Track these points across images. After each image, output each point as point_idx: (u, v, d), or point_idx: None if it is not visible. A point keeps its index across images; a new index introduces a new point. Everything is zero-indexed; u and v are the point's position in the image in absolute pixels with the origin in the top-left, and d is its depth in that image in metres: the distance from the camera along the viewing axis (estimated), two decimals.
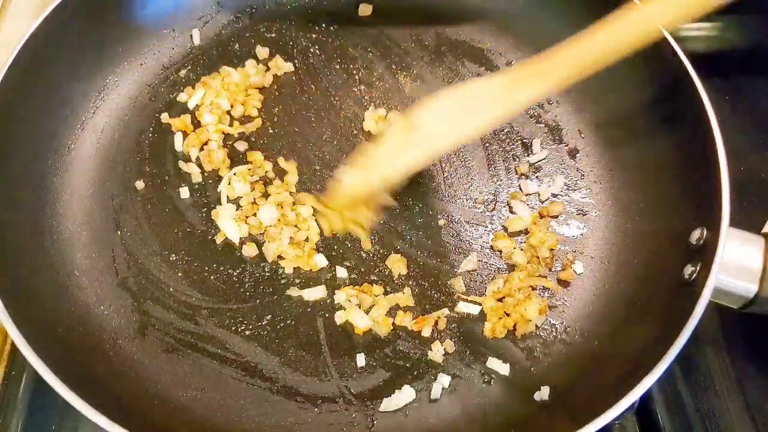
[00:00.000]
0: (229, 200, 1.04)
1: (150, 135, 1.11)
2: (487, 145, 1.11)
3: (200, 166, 1.07)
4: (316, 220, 1.01)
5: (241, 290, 0.98)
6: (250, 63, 1.16)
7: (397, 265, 0.98)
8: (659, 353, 0.77)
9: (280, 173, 1.07)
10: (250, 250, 1.00)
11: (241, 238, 1.01)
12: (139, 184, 1.06)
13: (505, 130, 1.12)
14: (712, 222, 0.84)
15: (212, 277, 0.99)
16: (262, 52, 1.18)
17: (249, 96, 1.13)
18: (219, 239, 1.01)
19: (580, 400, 0.85)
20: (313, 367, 0.93)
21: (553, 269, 1.00)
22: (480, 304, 0.96)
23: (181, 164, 1.07)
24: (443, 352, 0.92)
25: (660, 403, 0.95)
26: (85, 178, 1.05)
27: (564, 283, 0.99)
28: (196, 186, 1.06)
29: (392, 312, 0.96)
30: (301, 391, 0.91)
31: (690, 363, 0.97)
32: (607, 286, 0.98)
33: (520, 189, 1.06)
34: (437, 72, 1.18)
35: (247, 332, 0.95)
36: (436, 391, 0.91)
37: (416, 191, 1.05)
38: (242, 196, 1.03)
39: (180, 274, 0.99)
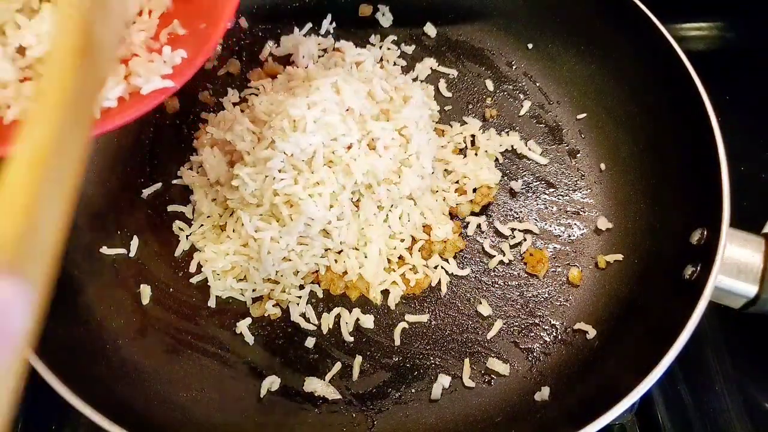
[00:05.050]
0: None
1: (150, 135, 1.11)
2: None
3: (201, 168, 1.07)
4: None
5: None
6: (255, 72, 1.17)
7: None
8: (659, 353, 0.77)
9: None
10: None
11: None
12: (139, 185, 1.06)
13: (506, 130, 1.12)
14: (712, 222, 0.84)
15: None
16: (263, 52, 1.18)
17: None
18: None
19: (580, 400, 0.85)
20: (314, 367, 0.93)
21: (554, 270, 1.01)
22: None
23: (182, 169, 1.07)
24: None
25: (660, 403, 0.95)
26: (85, 178, 1.04)
27: (568, 285, 0.99)
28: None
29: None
30: (301, 391, 0.91)
31: (690, 363, 0.97)
32: (607, 286, 0.98)
33: None
34: None
35: (248, 332, 0.95)
36: (436, 391, 0.91)
37: None
38: None
39: (180, 274, 0.99)
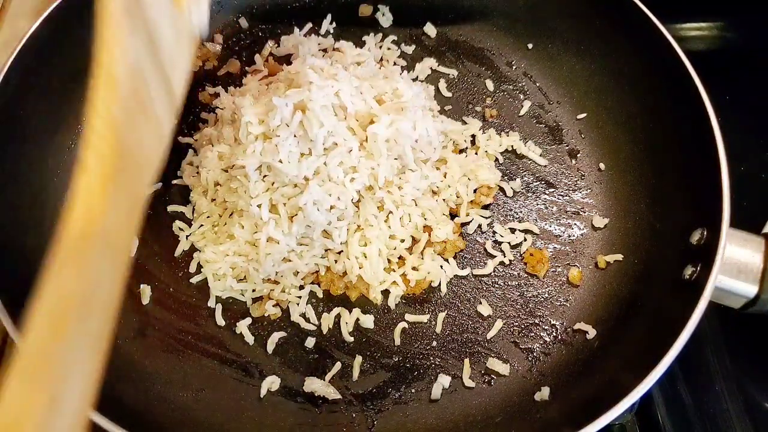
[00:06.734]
0: None
1: None
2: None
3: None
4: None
5: None
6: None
7: None
8: (659, 353, 0.77)
9: None
10: None
11: None
12: None
13: (506, 130, 1.12)
14: (712, 222, 0.84)
15: None
16: (263, 52, 1.18)
17: None
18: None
19: (580, 400, 0.85)
20: (314, 367, 0.93)
21: (554, 270, 1.00)
22: None
23: (182, 169, 1.07)
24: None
25: (660, 403, 0.95)
26: None
27: (568, 285, 0.99)
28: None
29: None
30: (301, 391, 0.91)
31: (690, 363, 0.97)
32: (607, 287, 0.98)
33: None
34: None
35: (248, 332, 0.95)
36: (436, 391, 0.91)
37: None
38: None
39: (180, 274, 0.99)
